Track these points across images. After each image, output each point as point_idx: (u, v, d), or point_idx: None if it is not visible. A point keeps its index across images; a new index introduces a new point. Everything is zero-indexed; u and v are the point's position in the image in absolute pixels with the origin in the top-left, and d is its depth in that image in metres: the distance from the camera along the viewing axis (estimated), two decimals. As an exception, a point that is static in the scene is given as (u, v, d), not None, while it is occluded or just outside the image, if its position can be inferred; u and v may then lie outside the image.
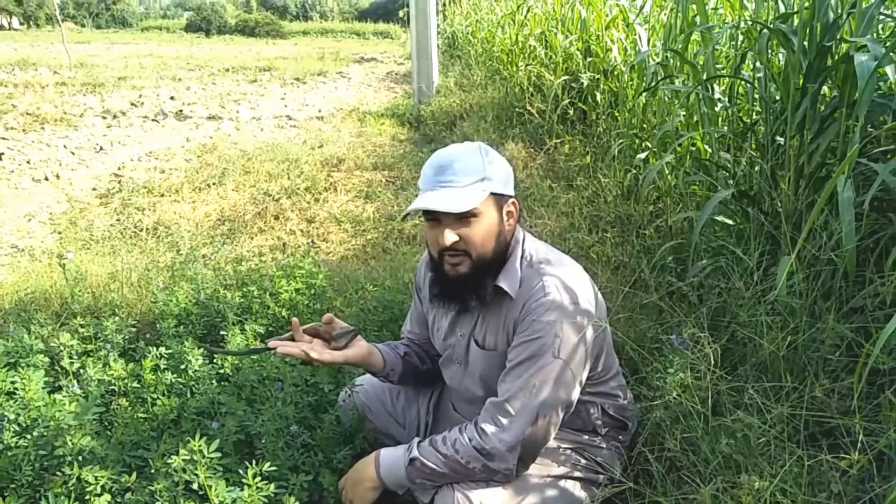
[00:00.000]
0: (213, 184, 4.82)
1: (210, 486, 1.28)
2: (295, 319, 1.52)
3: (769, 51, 2.26)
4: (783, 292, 1.61)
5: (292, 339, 1.52)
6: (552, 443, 1.41)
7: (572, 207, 3.27)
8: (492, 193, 1.37)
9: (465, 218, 1.35)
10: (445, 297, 1.49)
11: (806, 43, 2.00)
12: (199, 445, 1.29)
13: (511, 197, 1.43)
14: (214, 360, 1.86)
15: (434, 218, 1.38)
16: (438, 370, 1.65)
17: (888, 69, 1.75)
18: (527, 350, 1.36)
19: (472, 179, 1.35)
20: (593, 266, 2.48)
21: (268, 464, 1.38)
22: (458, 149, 1.40)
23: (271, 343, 1.51)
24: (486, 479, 1.35)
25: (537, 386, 1.34)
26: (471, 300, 1.45)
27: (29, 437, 1.49)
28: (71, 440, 1.40)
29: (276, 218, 4.12)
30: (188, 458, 1.30)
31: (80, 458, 1.40)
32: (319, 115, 8.10)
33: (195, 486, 1.30)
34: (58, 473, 1.37)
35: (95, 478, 1.33)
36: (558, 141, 4.30)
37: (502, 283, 1.42)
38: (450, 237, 1.36)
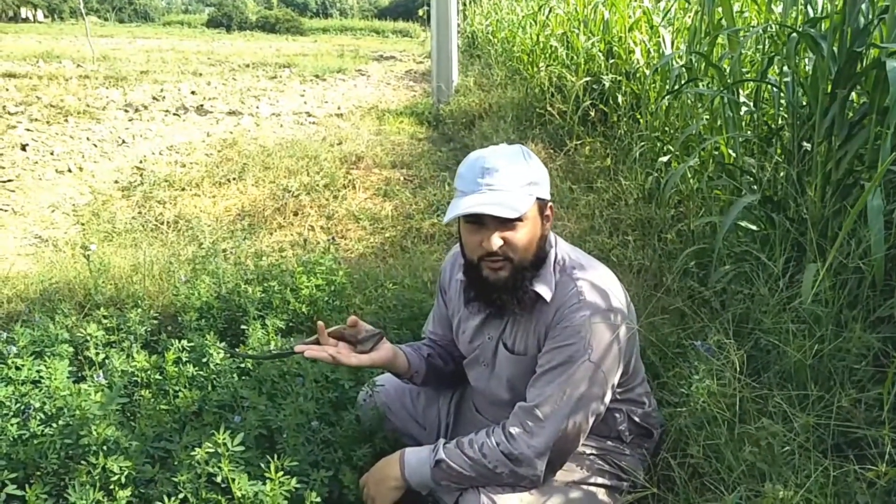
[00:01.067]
0: (233, 179, 4.85)
1: (233, 480, 1.29)
2: (321, 323, 1.51)
3: (797, 55, 2.24)
4: (809, 300, 1.60)
5: (317, 342, 1.51)
6: (577, 449, 1.41)
7: (592, 210, 3.26)
8: (537, 198, 1.35)
9: (511, 223, 1.32)
10: (482, 301, 1.46)
11: (835, 48, 1.97)
12: (224, 439, 1.30)
13: (549, 200, 1.41)
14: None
15: (478, 221, 1.35)
16: (461, 371, 1.65)
17: (921, 76, 1.73)
18: (559, 355, 1.35)
19: (520, 183, 1.32)
20: (614, 270, 2.44)
21: (289, 458, 1.40)
22: (502, 151, 1.37)
23: (298, 347, 1.51)
24: (513, 484, 1.35)
25: (568, 392, 1.33)
26: (511, 305, 1.41)
27: (54, 425, 1.51)
28: (96, 430, 1.42)
29: (296, 214, 4.14)
30: (212, 450, 1.32)
31: (104, 448, 1.42)
32: (339, 113, 8.12)
33: (218, 479, 1.32)
34: (82, 463, 1.39)
35: (120, 468, 1.35)
36: (579, 142, 4.29)
37: (539, 287, 1.40)
38: (496, 242, 1.33)
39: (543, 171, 1.40)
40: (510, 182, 1.32)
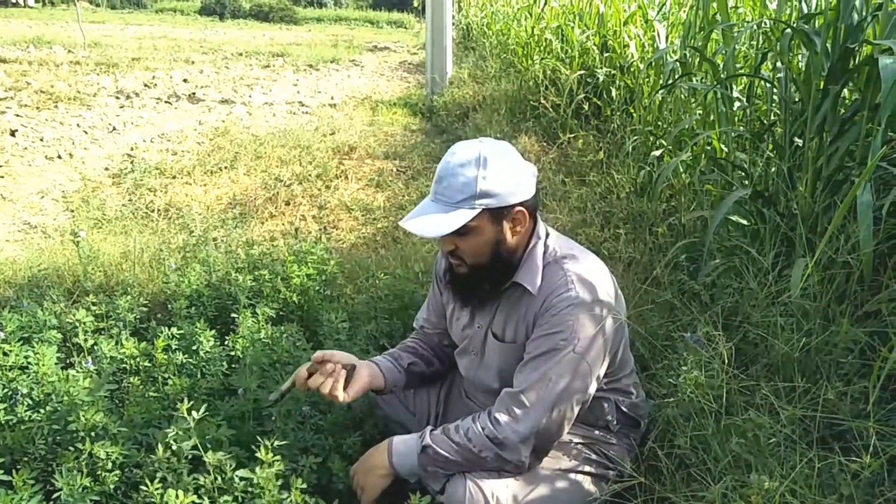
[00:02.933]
0: (225, 167, 4.82)
1: (208, 456, 1.28)
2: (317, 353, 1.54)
3: (790, 51, 2.25)
4: (797, 294, 1.61)
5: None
6: (564, 437, 1.42)
7: (584, 203, 3.27)
8: (486, 209, 1.35)
9: (456, 233, 1.36)
10: (451, 289, 1.55)
11: (829, 44, 1.98)
12: (187, 408, 1.29)
13: (518, 205, 1.38)
14: (225, 342, 1.87)
15: None
16: (449, 365, 1.67)
17: (913, 73, 1.73)
18: (546, 343, 1.36)
19: (462, 197, 1.34)
20: (605, 262, 2.47)
21: (278, 440, 1.39)
22: (457, 158, 1.37)
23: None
24: (498, 469, 1.36)
25: (554, 379, 1.34)
26: (470, 297, 1.50)
27: (42, 411, 1.50)
28: (84, 416, 1.41)
29: (288, 203, 4.12)
30: (189, 427, 1.30)
31: (92, 433, 1.41)
32: (332, 103, 8.08)
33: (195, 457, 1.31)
34: (70, 448, 1.38)
35: (107, 454, 1.35)
36: (572, 136, 4.29)
37: (523, 279, 1.43)
38: (445, 248, 1.43)
39: (506, 177, 1.35)
40: (454, 195, 1.35)
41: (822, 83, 1.97)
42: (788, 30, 2.12)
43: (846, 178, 1.92)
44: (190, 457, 1.32)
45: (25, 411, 1.51)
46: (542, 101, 4.90)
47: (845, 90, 2.02)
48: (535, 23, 6.36)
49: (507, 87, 5.94)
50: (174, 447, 1.31)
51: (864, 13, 1.94)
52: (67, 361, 1.88)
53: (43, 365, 1.61)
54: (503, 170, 1.36)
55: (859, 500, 1.18)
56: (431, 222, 1.35)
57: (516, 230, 1.42)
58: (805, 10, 2.32)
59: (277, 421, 1.54)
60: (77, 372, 1.64)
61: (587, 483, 1.46)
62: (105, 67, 10.35)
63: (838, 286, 1.67)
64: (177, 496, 1.22)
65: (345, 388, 1.49)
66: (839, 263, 1.65)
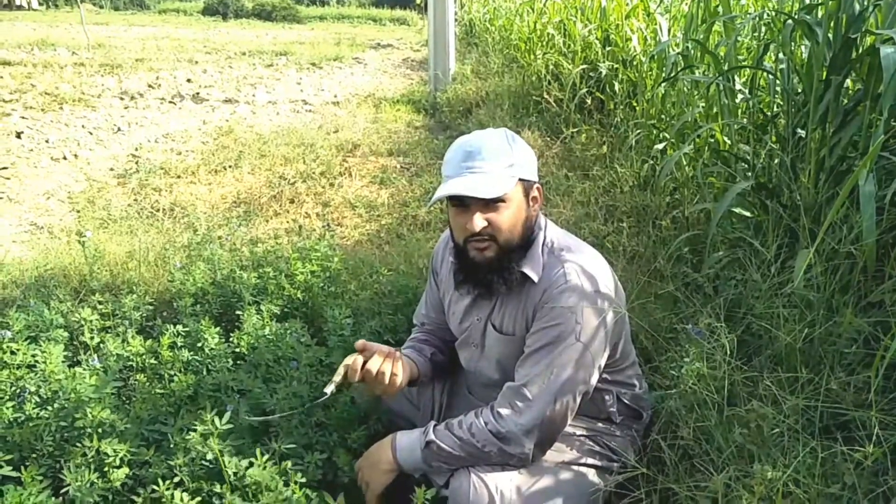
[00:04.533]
0: (230, 166, 4.84)
1: (224, 461, 1.30)
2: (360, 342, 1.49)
3: (793, 42, 2.24)
4: (801, 285, 1.61)
5: (345, 377, 1.48)
6: (567, 429, 1.42)
7: (588, 197, 3.27)
8: (520, 179, 1.38)
9: (493, 203, 1.35)
10: (471, 282, 1.48)
11: (831, 35, 1.97)
12: (212, 418, 1.31)
13: (536, 182, 1.43)
14: (230, 340, 1.88)
15: (462, 204, 1.38)
16: (454, 354, 1.66)
17: (915, 62, 1.73)
18: (546, 336, 1.37)
19: (502, 165, 1.35)
20: (609, 256, 2.47)
21: (284, 441, 1.41)
22: (485, 135, 1.40)
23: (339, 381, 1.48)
24: (502, 463, 1.36)
25: (555, 371, 1.34)
26: (497, 285, 1.43)
27: (49, 408, 1.51)
28: (91, 413, 1.43)
29: (292, 201, 4.14)
30: (205, 431, 1.32)
31: (99, 430, 1.43)
32: (335, 101, 8.09)
33: (208, 458, 1.33)
34: (77, 445, 1.40)
35: (115, 450, 1.36)
36: (575, 130, 4.28)
37: (526, 268, 1.43)
38: (479, 223, 1.36)
39: (528, 153, 1.42)
40: (491, 164, 1.34)
41: (824, 74, 1.97)
42: (790, 21, 2.11)
43: (849, 168, 1.92)
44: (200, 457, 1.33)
45: (33, 409, 1.52)
46: (545, 96, 4.90)
47: (847, 80, 2.01)
48: (538, 18, 6.34)
49: (509, 83, 5.93)
50: (193, 454, 1.32)
51: (865, 3, 1.93)
52: (74, 359, 1.90)
53: (50, 363, 1.62)
54: (524, 146, 1.42)
55: (863, 490, 1.18)
56: (479, 185, 1.33)
57: (534, 209, 1.44)
58: (806, 1, 2.31)
59: (281, 420, 1.54)
60: (84, 370, 1.65)
61: (591, 475, 1.46)
62: (109, 68, 10.38)
63: (842, 277, 1.67)
64: (187, 496, 1.23)
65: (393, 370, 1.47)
66: (842, 254, 1.65)
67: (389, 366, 1.45)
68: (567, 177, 3.63)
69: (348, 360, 1.47)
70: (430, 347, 1.68)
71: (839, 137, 1.92)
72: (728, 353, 1.40)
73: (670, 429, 1.49)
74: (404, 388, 1.53)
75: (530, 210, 1.42)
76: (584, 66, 4.70)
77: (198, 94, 8.45)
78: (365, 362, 1.45)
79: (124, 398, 1.74)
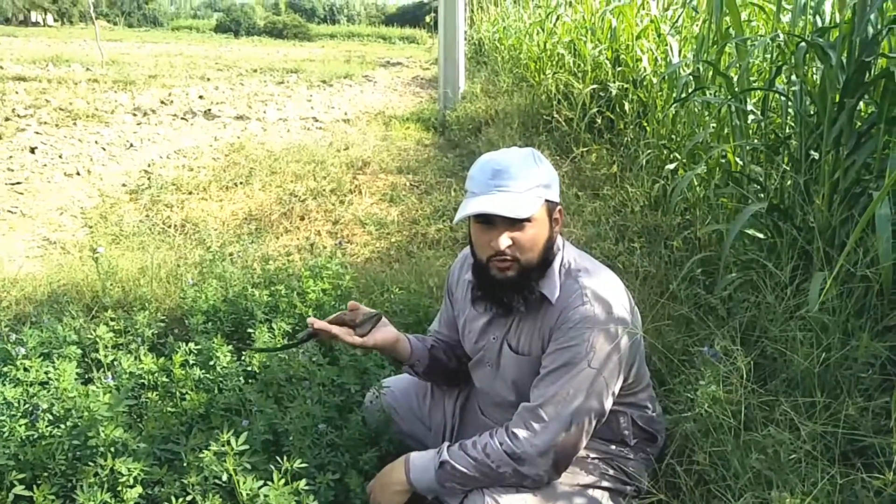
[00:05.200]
0: (240, 183, 4.87)
1: (239, 481, 1.29)
2: (310, 318, 1.54)
3: (805, 65, 2.24)
4: (816, 308, 1.59)
5: (312, 335, 1.55)
6: (581, 452, 1.41)
7: (599, 217, 3.26)
8: (546, 200, 1.38)
9: (519, 223, 1.35)
10: (489, 300, 1.48)
11: (844, 57, 1.98)
12: (229, 437, 1.31)
13: (559, 204, 1.43)
14: (242, 358, 1.88)
15: (487, 221, 1.37)
16: (465, 372, 1.66)
17: (929, 85, 1.73)
18: (562, 357, 1.36)
19: (530, 185, 1.35)
20: (620, 276, 2.46)
21: (297, 461, 1.40)
22: (513, 154, 1.39)
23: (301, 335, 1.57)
24: (517, 485, 1.35)
25: (571, 393, 1.34)
26: (517, 304, 1.43)
27: (62, 426, 1.51)
28: (104, 431, 1.42)
29: (302, 218, 4.16)
30: (219, 451, 1.32)
31: (112, 449, 1.42)
32: (345, 118, 8.15)
33: (223, 479, 1.32)
34: (90, 464, 1.39)
35: (128, 469, 1.36)
36: (585, 149, 4.29)
37: (544, 288, 1.43)
38: (504, 241, 1.36)
39: (553, 174, 1.42)
40: (520, 184, 1.34)
41: (837, 96, 1.97)
42: (803, 43, 2.12)
43: (863, 190, 1.91)
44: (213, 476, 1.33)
45: (46, 427, 1.52)
46: (555, 115, 4.92)
47: (861, 103, 2.01)
48: (548, 37, 6.39)
49: (519, 102, 5.96)
50: (206, 472, 1.32)
51: (878, 26, 1.94)
52: (87, 377, 1.90)
53: (63, 380, 1.62)
54: (550, 167, 1.42)
55: (883, 518, 1.16)
56: (511, 203, 1.33)
57: (555, 231, 1.44)
58: (819, 24, 2.32)
59: (294, 440, 1.54)
60: (97, 387, 1.65)
61: (605, 499, 1.45)
62: (122, 85, 10.52)
63: (857, 300, 1.65)
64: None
65: (367, 333, 1.54)
66: (858, 277, 1.64)
67: (344, 331, 1.52)
68: (577, 196, 3.64)
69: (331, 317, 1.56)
70: (433, 342, 1.70)
71: (853, 160, 1.92)
72: (744, 376, 1.39)
73: (685, 453, 1.48)
74: (382, 346, 1.59)
75: (552, 231, 1.42)
76: (595, 86, 4.72)
77: (209, 110, 8.54)
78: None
79: (136, 416, 1.74)
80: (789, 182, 2.23)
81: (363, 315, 1.57)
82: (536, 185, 1.35)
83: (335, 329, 1.51)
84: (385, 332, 1.58)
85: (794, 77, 2.30)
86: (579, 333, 1.35)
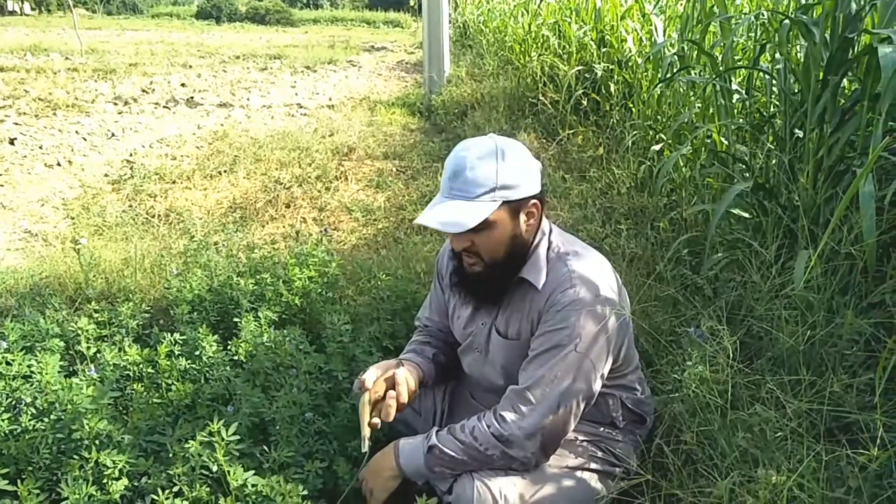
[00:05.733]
0: (225, 171, 4.82)
1: (228, 471, 1.28)
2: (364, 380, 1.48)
3: (789, 42, 2.24)
4: (801, 286, 1.60)
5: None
6: (570, 434, 1.41)
7: (585, 199, 3.26)
8: (505, 202, 1.35)
9: (474, 228, 1.34)
10: (463, 289, 1.51)
11: (827, 34, 1.97)
12: (218, 428, 1.30)
13: (532, 198, 1.39)
14: (228, 347, 1.87)
15: None
16: (456, 356, 1.65)
17: (912, 61, 1.72)
18: (550, 340, 1.36)
19: (483, 190, 1.33)
20: (607, 258, 2.46)
21: (283, 450, 1.40)
22: (474, 152, 1.36)
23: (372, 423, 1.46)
24: (505, 467, 1.36)
25: (559, 376, 1.34)
26: (486, 296, 1.47)
27: (46, 420, 1.50)
28: (88, 424, 1.41)
29: (288, 206, 4.12)
30: (206, 441, 1.31)
31: (97, 442, 1.41)
32: (330, 104, 8.08)
33: (213, 470, 1.32)
34: (75, 457, 1.38)
35: (113, 462, 1.34)
36: (571, 132, 4.28)
37: (528, 274, 1.42)
38: (459, 245, 1.39)
39: (520, 170, 1.36)
40: (474, 188, 1.33)
41: (821, 74, 1.97)
42: (786, 21, 2.11)
43: (847, 168, 1.92)
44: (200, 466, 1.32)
45: (29, 420, 1.51)
46: (541, 98, 4.90)
47: (845, 80, 2.01)
48: (532, 19, 6.35)
49: (505, 85, 5.93)
50: (193, 463, 1.31)
51: (862, 2, 1.93)
52: (71, 369, 1.88)
53: (46, 374, 1.61)
54: (519, 162, 1.37)
55: (867, 493, 1.17)
56: (453, 217, 1.32)
57: (530, 224, 1.42)
58: (803, 1, 2.31)
59: (281, 428, 1.53)
60: (80, 380, 1.64)
61: (594, 480, 1.45)
62: (103, 73, 10.36)
63: (842, 277, 1.66)
64: None
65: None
66: (842, 255, 1.64)
67: (391, 412, 1.45)
68: (564, 179, 3.63)
69: (363, 407, 1.45)
70: (431, 349, 1.67)
71: (837, 137, 1.92)
72: (730, 356, 1.40)
73: (673, 433, 1.48)
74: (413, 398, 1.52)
75: (521, 227, 1.40)
76: (580, 68, 4.69)
77: (192, 98, 8.43)
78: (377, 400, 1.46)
79: (121, 408, 1.72)
80: (774, 161, 2.23)
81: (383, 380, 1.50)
82: (492, 189, 1.33)
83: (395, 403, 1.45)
84: (408, 386, 1.51)
85: (777, 55, 2.29)
86: (567, 316, 1.35)
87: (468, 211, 1.32)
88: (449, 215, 1.33)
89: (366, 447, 1.43)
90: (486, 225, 1.34)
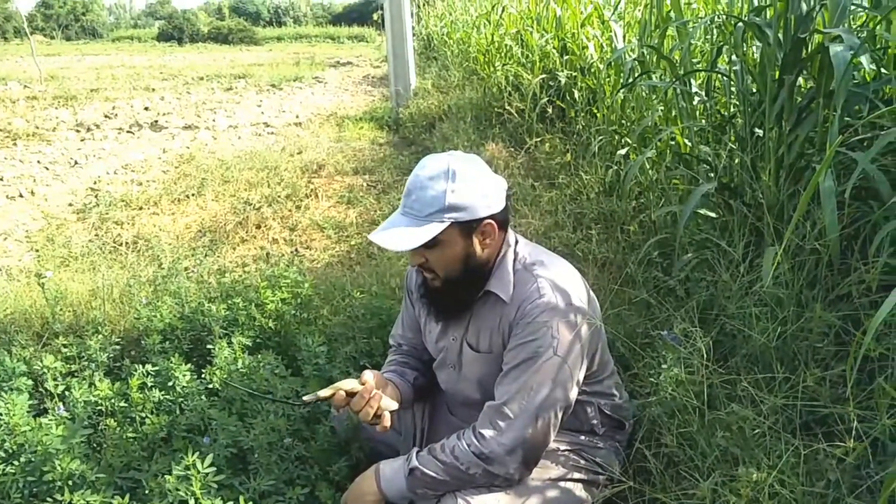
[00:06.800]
0: (193, 195, 4.76)
1: (205, 505, 1.26)
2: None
3: (744, 44, 2.28)
4: (769, 283, 1.63)
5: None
6: (551, 445, 1.41)
7: (555, 206, 3.28)
8: (456, 223, 1.35)
9: (425, 246, 1.36)
10: (427, 303, 1.54)
11: (781, 35, 2.02)
12: (193, 461, 1.27)
13: (486, 219, 1.38)
14: (202, 376, 1.83)
15: None
16: (434, 375, 1.65)
17: (863, 59, 1.77)
18: (523, 352, 1.36)
19: (431, 211, 1.34)
20: (579, 264, 2.48)
21: (263, 479, 1.37)
22: (426, 171, 1.37)
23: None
24: (488, 485, 1.35)
25: (535, 388, 1.34)
26: (446, 309, 1.50)
27: (16, 463, 1.45)
28: (60, 465, 1.37)
29: (258, 227, 4.08)
30: (182, 475, 1.28)
31: (70, 482, 1.37)
32: (297, 122, 8.04)
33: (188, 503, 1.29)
34: (48, 500, 1.34)
35: (87, 502, 1.31)
36: (538, 140, 4.31)
37: (495, 287, 1.43)
38: (414, 260, 1.42)
39: (474, 191, 1.36)
40: (423, 208, 1.35)
41: (777, 73, 2.01)
42: (741, 23, 2.16)
43: (808, 165, 1.96)
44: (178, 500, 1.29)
45: (-2, 464, 1.46)
46: (507, 107, 4.93)
47: (800, 79, 2.05)
48: (495, 30, 6.40)
49: (471, 95, 5.97)
50: (170, 498, 1.28)
51: (812, 2, 1.98)
52: (41, 408, 1.83)
53: (14, 415, 1.56)
54: (472, 182, 1.36)
55: (846, 485, 1.19)
56: (400, 235, 1.35)
57: (486, 243, 1.42)
58: (756, 3, 2.36)
59: (260, 456, 1.50)
60: (50, 419, 1.59)
61: (578, 490, 1.45)
62: (63, 100, 10.19)
63: (808, 272, 1.69)
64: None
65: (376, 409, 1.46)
66: (807, 250, 1.68)
67: (371, 413, 1.45)
68: (533, 186, 3.65)
69: (342, 385, 1.46)
70: (411, 371, 1.66)
71: (796, 135, 1.96)
72: (704, 356, 1.41)
73: (653, 436, 1.49)
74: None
75: (475, 248, 1.40)
76: (544, 76, 4.74)
77: (156, 122, 8.33)
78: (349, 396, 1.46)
79: (95, 445, 1.68)
80: (737, 160, 2.27)
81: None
82: (439, 210, 1.34)
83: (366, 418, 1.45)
84: (391, 408, 1.51)
85: (734, 57, 2.34)
86: (538, 327, 1.35)
87: (415, 231, 1.34)
88: (396, 234, 1.35)
89: (308, 398, 1.47)
90: (435, 243, 1.36)
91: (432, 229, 1.33)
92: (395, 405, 1.50)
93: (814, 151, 1.93)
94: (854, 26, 2.21)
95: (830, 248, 1.58)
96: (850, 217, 1.69)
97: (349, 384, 1.47)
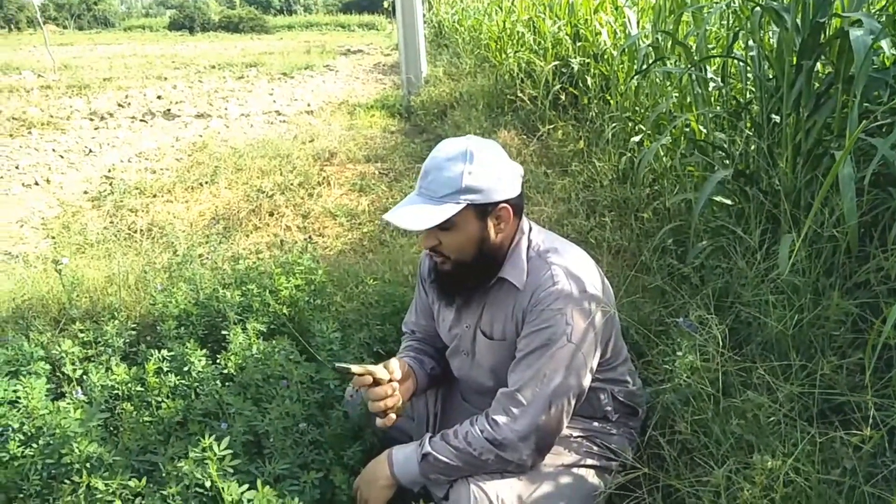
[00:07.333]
0: (206, 182, 4.78)
1: (222, 487, 1.27)
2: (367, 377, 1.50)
3: (761, 29, 2.25)
4: (786, 270, 1.61)
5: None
6: (564, 431, 1.41)
7: (568, 193, 3.27)
8: (471, 205, 1.35)
9: (439, 227, 1.35)
10: (437, 288, 1.54)
11: (799, 19, 1.99)
12: (210, 444, 1.28)
13: (501, 203, 1.38)
14: (217, 361, 1.85)
15: None
16: (447, 362, 1.65)
17: (883, 43, 1.75)
18: (537, 339, 1.36)
19: (447, 192, 1.33)
20: (593, 251, 2.47)
21: (278, 463, 1.38)
22: (444, 153, 1.37)
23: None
24: (500, 471, 1.35)
25: (548, 374, 1.33)
26: (457, 296, 1.49)
27: (35, 445, 1.47)
28: (78, 447, 1.39)
29: (271, 214, 4.09)
30: (199, 458, 1.30)
31: (87, 465, 1.39)
32: (309, 110, 8.04)
33: (207, 486, 1.30)
34: (66, 482, 1.36)
35: (105, 485, 1.32)
36: (551, 127, 4.29)
37: (508, 274, 1.43)
38: (427, 242, 1.41)
39: (492, 173, 1.36)
40: (439, 189, 1.34)
41: (794, 59, 1.98)
42: (758, 8, 2.13)
43: (825, 151, 1.93)
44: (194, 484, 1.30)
45: (17, 447, 1.48)
46: (519, 95, 4.90)
47: (818, 64, 2.02)
48: (507, 16, 6.36)
49: (482, 83, 5.93)
50: (186, 481, 1.29)
51: (831, -14, 1.95)
52: (58, 392, 1.86)
53: (33, 398, 1.58)
54: (489, 166, 1.36)
55: (862, 473, 1.18)
56: (416, 214, 1.34)
57: (500, 227, 1.41)
58: (773, -13, 2.33)
59: (275, 441, 1.52)
60: (68, 403, 1.61)
61: (591, 476, 1.45)
62: (77, 90, 10.24)
63: (826, 260, 1.68)
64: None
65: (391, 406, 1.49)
66: (825, 237, 1.66)
67: (380, 407, 1.48)
68: (546, 174, 3.63)
69: (374, 371, 1.48)
70: (429, 360, 1.67)
71: (814, 121, 1.93)
72: (720, 343, 1.40)
73: (667, 424, 1.49)
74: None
75: (490, 232, 1.40)
76: (556, 63, 4.71)
77: (169, 110, 8.36)
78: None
79: (112, 429, 1.70)
80: (753, 147, 2.25)
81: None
82: (456, 191, 1.33)
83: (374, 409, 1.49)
84: (407, 383, 1.57)
85: (751, 42, 2.31)
86: (553, 314, 1.35)
87: (431, 211, 1.33)
88: (411, 213, 1.35)
89: (339, 366, 1.48)
90: (450, 225, 1.35)
91: (448, 210, 1.33)
92: (406, 410, 1.56)
93: (832, 138, 1.91)
94: (874, 10, 2.18)
95: (849, 235, 1.57)
96: (868, 204, 1.67)
97: (380, 372, 1.48)
